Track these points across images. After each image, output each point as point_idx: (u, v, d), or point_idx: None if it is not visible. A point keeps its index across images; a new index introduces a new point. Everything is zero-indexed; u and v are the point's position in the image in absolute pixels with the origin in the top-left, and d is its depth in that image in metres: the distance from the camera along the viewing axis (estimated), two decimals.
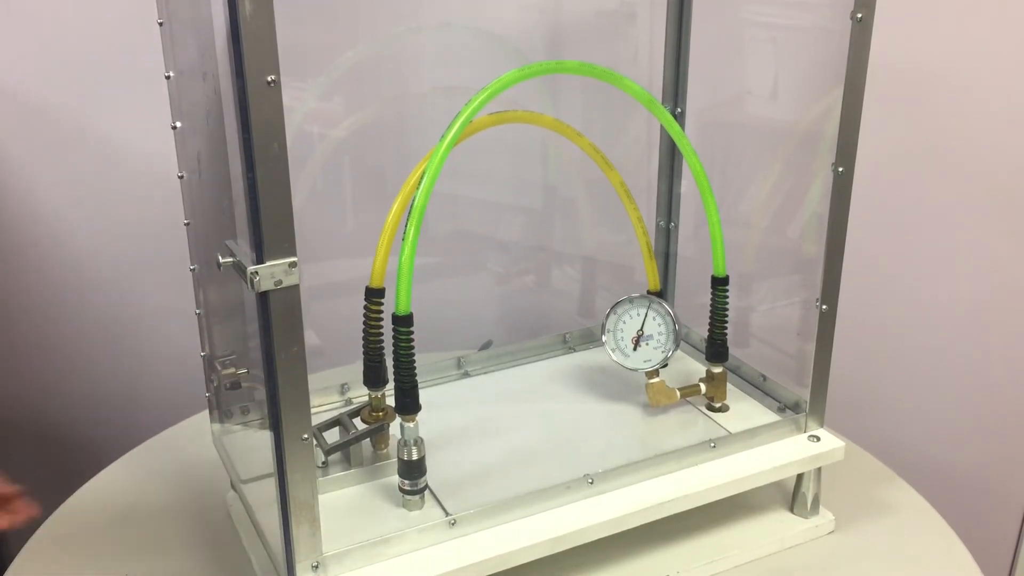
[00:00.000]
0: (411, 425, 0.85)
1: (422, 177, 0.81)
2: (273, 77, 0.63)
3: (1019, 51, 1.27)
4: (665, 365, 1.03)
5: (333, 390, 1.06)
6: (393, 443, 0.94)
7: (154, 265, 1.36)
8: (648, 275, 1.08)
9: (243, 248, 0.74)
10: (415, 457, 0.86)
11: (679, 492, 0.90)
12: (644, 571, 0.93)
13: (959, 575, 0.96)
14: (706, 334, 1.05)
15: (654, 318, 1.03)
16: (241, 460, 0.94)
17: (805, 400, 0.99)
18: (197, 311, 0.96)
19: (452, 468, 0.93)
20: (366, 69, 1.29)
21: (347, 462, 0.93)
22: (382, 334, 0.87)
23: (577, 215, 1.07)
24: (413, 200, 0.81)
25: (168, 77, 0.88)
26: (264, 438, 0.98)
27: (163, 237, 1.25)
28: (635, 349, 1.03)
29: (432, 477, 0.88)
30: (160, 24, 0.86)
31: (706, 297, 1.04)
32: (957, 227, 1.36)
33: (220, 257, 0.76)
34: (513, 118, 0.96)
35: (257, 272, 0.67)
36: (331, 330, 1.41)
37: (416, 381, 0.85)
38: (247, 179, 0.66)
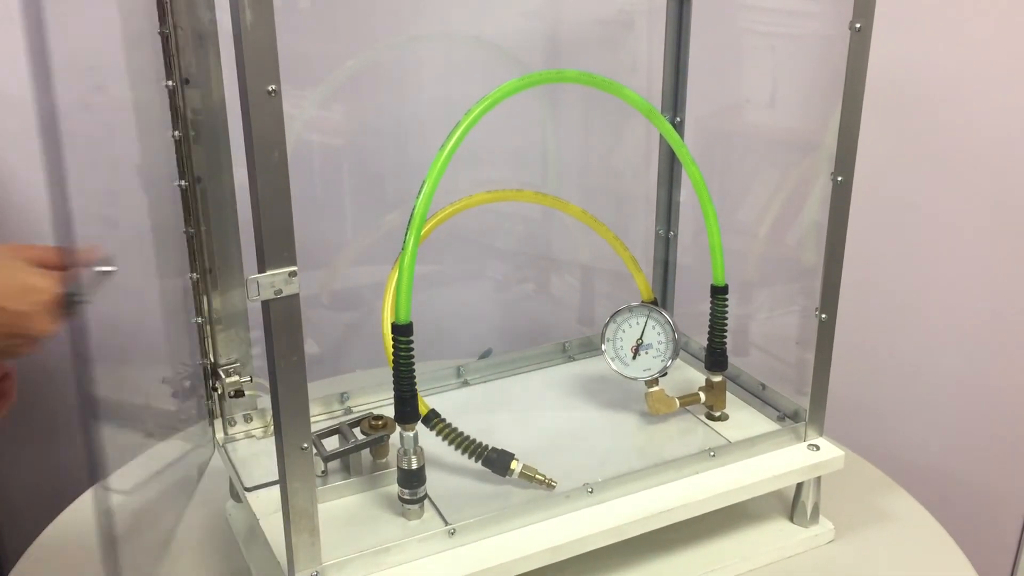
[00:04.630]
0: (410, 434, 0.85)
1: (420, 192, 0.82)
2: (274, 87, 0.63)
3: (1018, 59, 1.27)
4: (664, 374, 1.03)
5: (333, 399, 1.06)
6: (393, 452, 0.94)
7: (154, 273, 1.35)
8: (639, 286, 1.08)
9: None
10: (415, 466, 0.86)
11: (678, 501, 0.90)
12: None
13: None
14: (705, 343, 1.05)
15: (653, 327, 1.03)
16: (243, 469, 0.94)
17: (804, 409, 0.99)
18: (197, 319, 0.96)
19: (452, 477, 0.93)
20: (367, 78, 1.30)
21: (347, 471, 0.93)
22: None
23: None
24: (413, 208, 0.81)
25: (168, 86, 0.88)
26: (265, 446, 0.98)
27: (163, 245, 1.24)
28: (634, 358, 1.03)
29: (431, 486, 0.88)
30: (160, 34, 0.86)
31: (706, 306, 1.04)
32: (956, 235, 1.36)
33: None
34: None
35: (257, 281, 0.67)
36: (331, 339, 1.42)
37: (416, 390, 0.85)
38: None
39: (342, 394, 1.06)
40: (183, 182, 0.91)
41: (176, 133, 0.89)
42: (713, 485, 0.93)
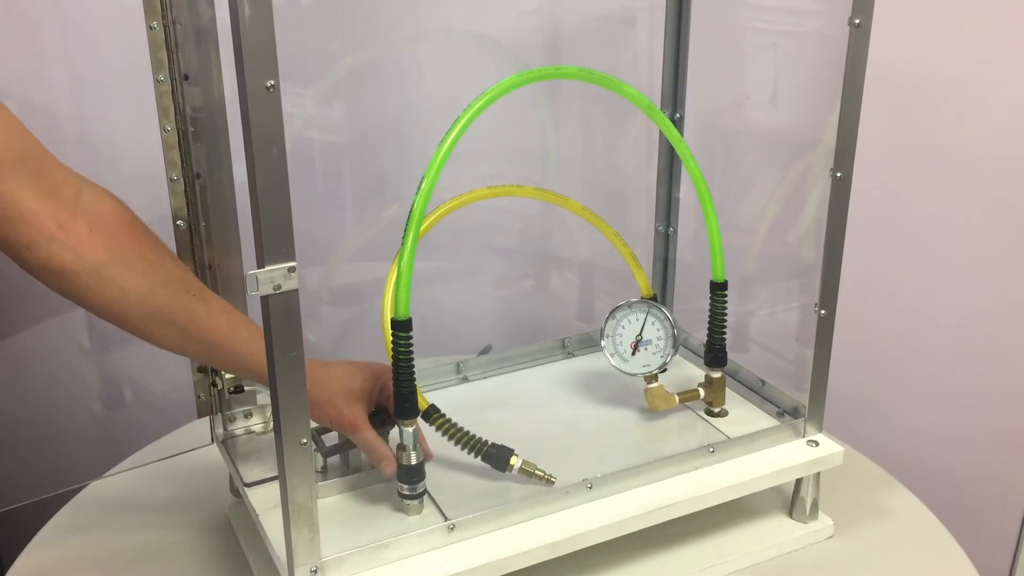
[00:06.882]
0: (410, 430, 0.85)
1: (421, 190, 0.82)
2: (272, 82, 0.63)
3: (1018, 57, 1.27)
4: (664, 370, 1.03)
5: None
6: (392, 448, 0.93)
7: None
8: (639, 283, 1.08)
9: None
10: (414, 462, 0.86)
11: (678, 497, 0.90)
12: None
13: None
14: (705, 339, 1.05)
15: (653, 323, 1.03)
16: (243, 465, 0.94)
17: (804, 405, 0.99)
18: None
19: (451, 473, 0.93)
20: (366, 75, 1.30)
21: (346, 467, 0.93)
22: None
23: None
24: (412, 204, 0.81)
25: (159, 81, 0.88)
26: (264, 442, 0.98)
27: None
28: (634, 354, 1.03)
29: (431, 482, 0.89)
30: (150, 28, 0.86)
31: (705, 302, 1.04)
32: (956, 232, 1.36)
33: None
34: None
35: (256, 276, 0.67)
36: (331, 335, 1.42)
37: (415, 386, 0.85)
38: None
39: None
40: (174, 176, 0.91)
41: (168, 128, 0.89)
42: (712, 481, 0.93)
